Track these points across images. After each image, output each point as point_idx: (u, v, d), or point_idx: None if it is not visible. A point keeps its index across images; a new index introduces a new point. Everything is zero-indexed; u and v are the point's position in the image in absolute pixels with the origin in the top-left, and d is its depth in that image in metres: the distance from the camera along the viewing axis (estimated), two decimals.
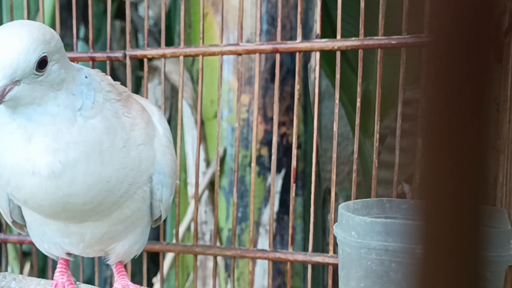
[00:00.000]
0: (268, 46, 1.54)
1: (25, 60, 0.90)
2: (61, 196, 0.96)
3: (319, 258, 1.52)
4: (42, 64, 0.91)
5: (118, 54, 1.63)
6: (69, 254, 1.17)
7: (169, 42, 2.17)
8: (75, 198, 0.97)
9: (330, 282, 1.49)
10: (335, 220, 1.29)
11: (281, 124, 1.95)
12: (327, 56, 1.84)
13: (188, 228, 1.99)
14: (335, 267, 1.43)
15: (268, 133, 1.95)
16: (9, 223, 1.17)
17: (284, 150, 1.96)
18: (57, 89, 0.94)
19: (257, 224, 1.97)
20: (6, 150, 0.96)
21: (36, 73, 0.91)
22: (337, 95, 1.47)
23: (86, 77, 1.00)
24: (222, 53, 1.58)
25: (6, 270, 1.81)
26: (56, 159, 0.94)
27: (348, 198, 2.22)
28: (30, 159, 0.94)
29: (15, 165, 0.95)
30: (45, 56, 0.92)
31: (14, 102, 0.92)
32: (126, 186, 1.03)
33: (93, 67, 1.66)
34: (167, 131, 1.15)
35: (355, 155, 1.46)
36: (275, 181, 1.78)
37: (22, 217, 1.13)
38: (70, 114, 0.96)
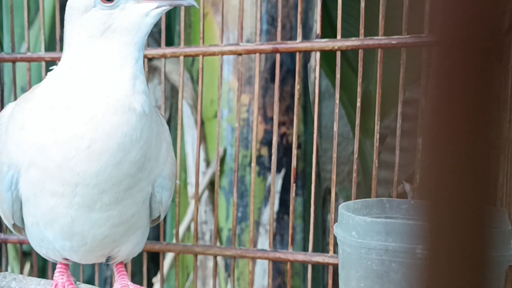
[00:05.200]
0: (268, 46, 1.54)
1: None
2: (126, 146, 1.02)
3: (319, 258, 1.52)
4: None
5: None
6: (66, 259, 1.17)
7: (169, 42, 2.17)
8: (131, 153, 1.03)
9: (330, 282, 1.49)
10: (335, 220, 1.29)
11: (281, 124, 1.95)
12: (327, 56, 1.84)
13: (188, 228, 1.99)
14: (335, 267, 1.43)
15: (268, 133, 1.95)
16: (9, 225, 1.16)
17: (284, 150, 1.96)
18: None
19: (257, 224, 1.97)
20: (109, 90, 1.01)
21: None
22: (337, 95, 1.47)
23: None
24: (222, 53, 1.58)
25: (6, 270, 1.81)
26: (146, 101, 1.03)
27: (348, 198, 2.22)
28: (132, 95, 1.01)
29: (112, 102, 1.01)
30: None
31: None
32: (146, 172, 1.07)
33: None
34: (168, 132, 1.16)
35: (355, 155, 1.46)
36: (275, 181, 1.79)
37: (22, 220, 1.13)
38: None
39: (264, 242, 1.95)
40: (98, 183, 1.03)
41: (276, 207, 1.97)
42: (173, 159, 1.16)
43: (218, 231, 1.87)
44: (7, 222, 1.15)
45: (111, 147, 1.01)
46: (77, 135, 1.00)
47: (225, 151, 1.98)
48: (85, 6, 1.01)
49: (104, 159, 1.01)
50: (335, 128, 1.47)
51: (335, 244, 1.39)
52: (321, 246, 2.21)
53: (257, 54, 1.55)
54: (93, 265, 2.10)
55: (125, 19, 1.01)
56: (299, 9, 1.52)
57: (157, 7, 1.02)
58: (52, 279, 1.19)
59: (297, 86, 1.53)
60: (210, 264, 1.94)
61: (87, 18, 1.01)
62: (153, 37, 2.60)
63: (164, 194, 1.15)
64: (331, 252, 1.50)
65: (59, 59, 1.67)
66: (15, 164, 1.06)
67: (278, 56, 1.54)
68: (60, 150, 1.01)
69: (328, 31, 1.83)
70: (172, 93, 2.41)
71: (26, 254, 2.13)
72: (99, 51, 1.02)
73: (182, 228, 1.96)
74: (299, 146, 1.98)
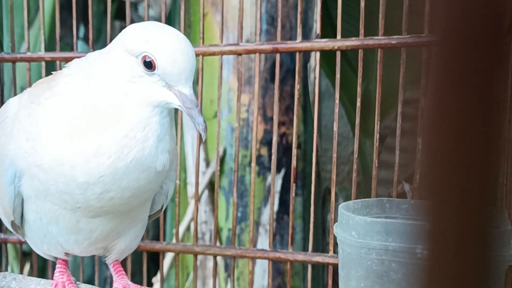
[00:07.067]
0: (268, 46, 1.54)
1: None
2: (140, 194, 1.02)
3: (319, 258, 1.52)
4: None
5: None
6: (67, 254, 1.17)
7: None
8: (145, 195, 1.04)
9: (330, 282, 1.49)
10: (335, 220, 1.29)
11: (281, 124, 1.95)
12: (327, 56, 1.84)
13: (188, 228, 1.99)
14: (335, 267, 1.43)
15: (268, 133, 1.95)
16: (7, 223, 1.15)
17: (284, 150, 1.96)
18: None
19: (257, 224, 1.97)
20: (133, 151, 0.99)
21: None
22: (337, 95, 1.47)
23: None
24: (222, 53, 1.58)
25: (6, 270, 1.81)
26: (167, 159, 1.02)
27: (348, 198, 2.22)
28: (155, 155, 1.00)
29: (134, 161, 0.99)
30: None
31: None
32: (163, 176, 1.06)
33: None
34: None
35: (355, 155, 1.46)
36: (275, 181, 1.79)
37: (21, 218, 1.12)
38: None
39: (264, 242, 1.95)
40: (103, 211, 1.04)
41: (276, 207, 1.97)
42: (175, 148, 1.15)
43: (218, 231, 1.87)
44: (6, 219, 1.14)
45: (123, 195, 1.01)
46: (89, 182, 0.98)
47: (225, 151, 1.98)
48: (133, 50, 0.97)
49: (113, 202, 1.01)
50: (335, 128, 1.47)
51: (335, 244, 1.39)
52: (321, 246, 2.21)
53: (257, 54, 1.55)
54: (93, 265, 2.10)
55: (139, 92, 0.97)
56: (299, 9, 1.52)
57: (170, 103, 0.98)
58: (52, 279, 1.18)
59: (297, 86, 1.53)
60: (210, 264, 1.94)
61: (127, 60, 0.97)
62: None
63: (171, 186, 1.16)
64: (331, 252, 1.50)
65: (59, 59, 1.68)
66: (19, 168, 1.04)
67: (278, 56, 1.54)
68: (68, 187, 1.00)
69: (328, 31, 1.83)
70: None
71: (26, 254, 2.13)
72: (123, 97, 0.98)
73: (182, 228, 1.96)
74: (299, 146, 1.98)
